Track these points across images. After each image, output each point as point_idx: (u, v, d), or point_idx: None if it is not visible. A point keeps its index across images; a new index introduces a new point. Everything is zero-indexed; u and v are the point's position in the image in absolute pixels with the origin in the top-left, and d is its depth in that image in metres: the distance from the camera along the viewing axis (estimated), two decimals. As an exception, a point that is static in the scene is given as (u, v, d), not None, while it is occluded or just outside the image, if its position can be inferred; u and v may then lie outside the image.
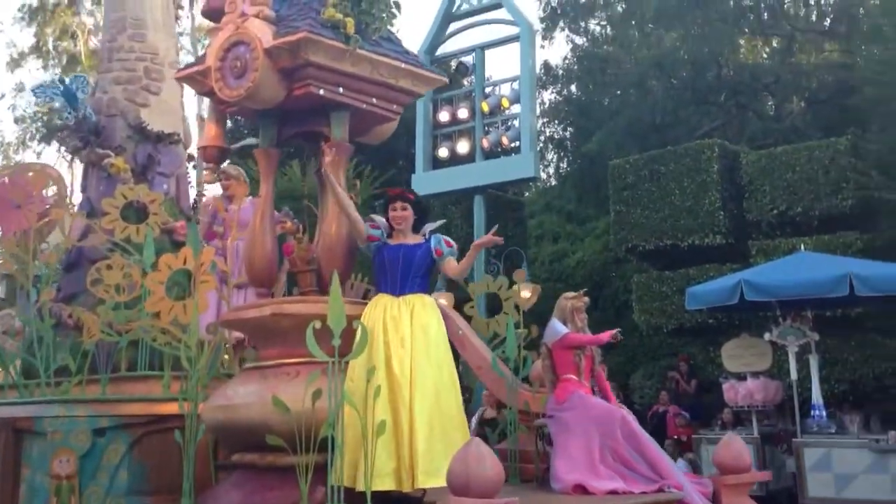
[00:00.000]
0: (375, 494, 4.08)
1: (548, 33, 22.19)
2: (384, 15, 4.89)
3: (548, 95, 23.11)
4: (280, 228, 5.43)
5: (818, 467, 9.09)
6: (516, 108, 15.02)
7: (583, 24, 22.06)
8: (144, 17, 7.45)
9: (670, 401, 12.34)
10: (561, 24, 21.98)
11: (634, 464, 4.84)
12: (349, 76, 4.88)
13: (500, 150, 15.41)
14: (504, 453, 5.19)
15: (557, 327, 5.34)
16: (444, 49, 16.20)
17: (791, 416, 9.93)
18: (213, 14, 5.23)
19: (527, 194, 21.09)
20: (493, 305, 6.06)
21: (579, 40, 22.30)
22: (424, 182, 14.81)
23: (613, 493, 4.67)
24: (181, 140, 7.38)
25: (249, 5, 4.88)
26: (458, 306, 7.05)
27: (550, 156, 23.61)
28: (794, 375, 9.67)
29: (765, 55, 20.39)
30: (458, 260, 4.81)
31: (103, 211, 6.17)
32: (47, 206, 6.03)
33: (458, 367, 4.74)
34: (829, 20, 18.73)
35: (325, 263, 4.89)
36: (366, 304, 4.70)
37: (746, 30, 18.91)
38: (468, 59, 15.69)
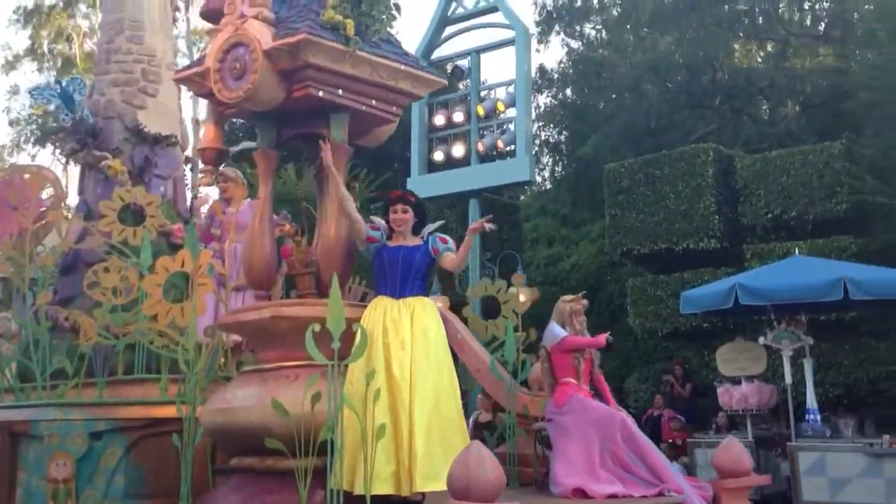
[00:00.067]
0: (374, 498, 4.07)
1: (543, 37, 22.20)
2: (384, 17, 4.89)
3: (543, 99, 23.17)
4: (279, 231, 5.41)
5: (812, 471, 9.08)
6: (512, 112, 15.04)
7: (578, 27, 22.10)
8: (142, 18, 7.44)
9: (665, 404, 12.35)
10: (556, 27, 22.00)
11: (634, 467, 4.83)
12: (349, 78, 4.87)
13: (495, 153, 15.42)
14: (503, 457, 5.17)
15: (556, 331, 5.33)
16: (439, 52, 16.21)
17: (785, 419, 9.94)
18: (212, 15, 5.22)
19: (522, 198, 21.09)
20: (488, 309, 6.03)
21: (575, 44, 22.36)
22: (420, 185, 14.78)
23: (613, 497, 4.66)
24: (178, 142, 7.37)
25: (249, 7, 4.86)
26: (453, 310, 7.03)
27: (545, 159, 23.63)
28: (788, 379, 9.68)
29: (759, 59, 20.44)
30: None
31: (100, 213, 6.15)
32: (44, 209, 6.01)
33: (456, 370, 4.73)
34: (823, 25, 18.79)
35: (323, 266, 4.87)
36: (365, 306, 4.68)
37: (741, 34, 18.95)
38: (464, 63, 15.72)
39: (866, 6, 16.70)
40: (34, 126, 27.91)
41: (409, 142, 15.68)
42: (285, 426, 4.07)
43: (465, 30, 16.01)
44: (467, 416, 6.10)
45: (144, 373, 5.79)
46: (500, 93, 15.30)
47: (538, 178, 22.32)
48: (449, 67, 16.15)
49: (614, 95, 19.60)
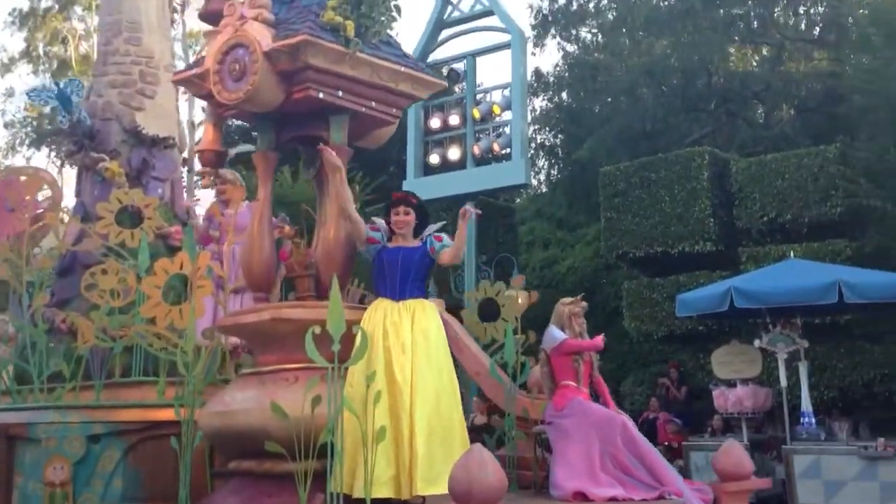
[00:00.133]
0: (374, 502, 4.06)
1: (539, 41, 22.25)
2: (384, 18, 4.87)
3: (539, 102, 23.20)
4: (278, 233, 5.40)
5: (807, 474, 9.10)
6: (507, 115, 15.02)
7: (574, 31, 22.14)
8: (140, 20, 7.42)
9: (660, 407, 12.37)
10: (552, 31, 22.04)
11: (634, 470, 4.81)
12: (349, 79, 4.86)
13: (490, 156, 15.41)
14: (502, 460, 5.16)
15: (555, 333, 5.31)
16: (435, 56, 16.20)
17: (781, 422, 9.95)
18: (212, 17, 5.21)
19: (518, 201, 21.11)
20: (484, 311, 6.02)
21: (570, 48, 22.37)
22: (415, 188, 14.63)
23: (613, 500, 4.64)
24: (176, 144, 7.35)
25: (248, 8, 4.85)
26: (449, 313, 7.01)
27: (541, 163, 23.64)
28: (783, 382, 9.69)
29: (754, 63, 20.52)
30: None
31: (97, 215, 6.13)
32: (41, 211, 5.98)
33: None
34: (818, 29, 18.87)
35: (323, 268, 4.86)
36: (365, 308, 4.67)
37: (736, 38, 19.02)
38: (459, 66, 15.69)
39: (861, 10, 16.78)
40: (29, 128, 27.84)
41: (405, 145, 15.65)
42: (285, 429, 4.04)
43: (460, 33, 15.99)
44: (466, 417, 6.07)
45: (142, 376, 5.76)
46: (496, 96, 15.28)
47: (534, 182, 22.33)
48: (445, 71, 16.15)
49: (610, 99, 19.64)
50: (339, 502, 4.01)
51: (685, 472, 9.56)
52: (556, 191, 21.82)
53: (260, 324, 4.61)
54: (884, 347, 11.79)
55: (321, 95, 4.79)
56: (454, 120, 15.25)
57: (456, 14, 15.82)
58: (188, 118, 21.63)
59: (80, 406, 5.16)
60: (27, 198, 5.80)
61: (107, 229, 6.02)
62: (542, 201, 22.05)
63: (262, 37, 4.72)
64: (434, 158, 15.35)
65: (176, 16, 22.13)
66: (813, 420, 9.63)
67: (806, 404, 9.70)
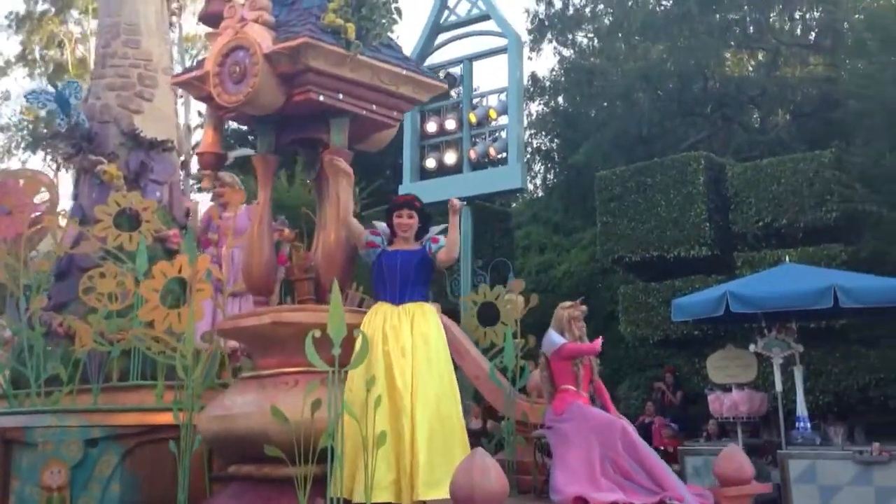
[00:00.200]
0: (374, 506, 4.05)
1: (535, 45, 22.26)
2: (384, 21, 4.86)
3: (535, 107, 23.21)
4: (278, 236, 5.38)
5: (803, 479, 9.09)
6: (504, 120, 15.03)
7: (570, 36, 22.16)
8: (138, 22, 7.41)
9: (656, 412, 12.37)
10: (548, 36, 22.06)
11: (635, 475, 4.80)
12: (349, 82, 4.85)
13: (487, 160, 15.42)
14: (501, 464, 5.15)
15: (554, 338, 5.31)
16: (432, 60, 16.19)
17: (776, 427, 9.95)
18: (211, 19, 5.20)
19: (514, 205, 21.11)
20: (481, 316, 6.02)
21: (566, 52, 22.40)
22: (412, 192, 14.76)
23: (614, 504, 4.65)
24: (174, 147, 7.34)
25: (249, 10, 4.84)
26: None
27: (537, 167, 23.66)
28: (778, 387, 9.70)
29: (750, 68, 20.57)
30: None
31: (96, 218, 6.11)
32: (38, 214, 5.96)
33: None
34: (813, 34, 18.92)
35: (323, 272, 4.85)
36: (365, 312, 4.66)
37: (732, 43, 19.07)
38: (456, 71, 15.69)
39: (856, 16, 16.85)
40: (25, 132, 27.77)
41: (401, 149, 15.64)
42: (285, 433, 4.02)
43: (457, 37, 16.00)
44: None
45: (140, 379, 5.74)
46: (493, 100, 15.29)
47: (530, 186, 22.37)
48: (441, 75, 16.15)
49: (606, 103, 19.65)
50: (339, 506, 3.99)
51: (681, 477, 9.51)
52: (553, 195, 21.82)
53: (260, 327, 4.59)
54: (879, 352, 11.80)
55: (322, 98, 4.78)
56: (451, 124, 15.26)
57: (453, 18, 15.83)
58: (185, 121, 21.61)
59: (78, 410, 5.13)
60: (25, 201, 5.76)
61: (105, 232, 6.01)
62: (538, 206, 22.05)
63: (263, 39, 4.71)
64: (430, 162, 15.35)
65: (176, 17, 22.10)
66: (808, 425, 9.63)
67: (801, 409, 9.70)
